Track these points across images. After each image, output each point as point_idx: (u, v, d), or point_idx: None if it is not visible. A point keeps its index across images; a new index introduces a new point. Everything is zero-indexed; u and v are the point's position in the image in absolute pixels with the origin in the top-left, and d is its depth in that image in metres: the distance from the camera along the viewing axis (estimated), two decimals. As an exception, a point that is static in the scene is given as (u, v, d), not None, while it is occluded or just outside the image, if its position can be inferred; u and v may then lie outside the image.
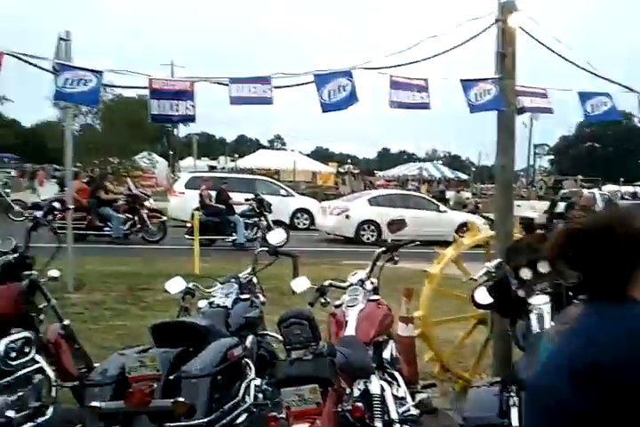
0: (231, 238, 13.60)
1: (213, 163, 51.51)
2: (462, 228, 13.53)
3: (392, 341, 3.69)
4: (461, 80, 4.57)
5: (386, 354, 3.52)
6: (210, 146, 66.98)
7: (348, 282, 3.79)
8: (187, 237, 12.79)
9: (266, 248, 4.06)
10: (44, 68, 4.15)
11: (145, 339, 6.10)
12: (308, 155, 59.84)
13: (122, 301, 7.88)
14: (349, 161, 49.66)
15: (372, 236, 15.79)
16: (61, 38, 5.73)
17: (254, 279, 4.12)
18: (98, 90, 4.28)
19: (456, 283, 4.91)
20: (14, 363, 3.23)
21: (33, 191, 21.03)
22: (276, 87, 4.28)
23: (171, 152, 40.71)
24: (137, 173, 25.81)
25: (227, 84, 4.22)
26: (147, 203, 14.22)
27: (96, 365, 4.01)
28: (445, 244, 6.32)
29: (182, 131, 46.22)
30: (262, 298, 4.13)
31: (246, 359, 3.37)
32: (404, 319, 4.59)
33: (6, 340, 3.19)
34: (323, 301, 3.68)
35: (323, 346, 2.71)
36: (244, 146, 72.15)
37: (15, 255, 3.51)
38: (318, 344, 2.68)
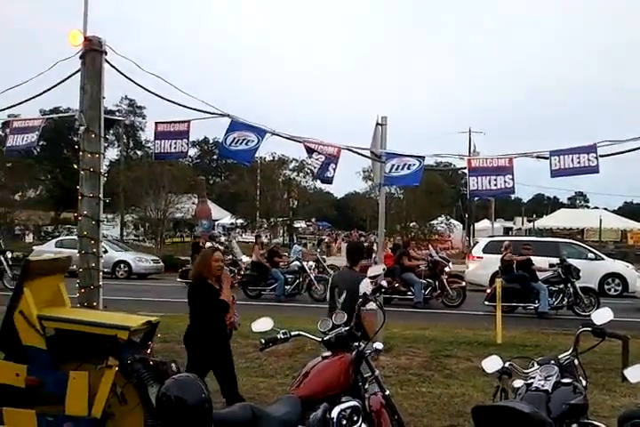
0: (533, 306, 12.96)
1: (509, 224, 50.36)
2: None
3: None
4: None
5: None
6: (505, 206, 65.66)
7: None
8: (486, 303, 12.61)
9: (589, 328, 3.75)
10: (366, 156, 4.70)
11: (451, 409, 6.09)
12: (615, 211, 54.66)
13: (426, 366, 7.98)
14: (668, 216, 43.75)
15: None
16: (378, 123, 6.26)
17: (576, 362, 3.81)
18: (420, 171, 4.66)
19: None
20: (344, 431, 3.48)
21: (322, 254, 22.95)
22: (600, 156, 4.09)
23: (466, 215, 41.04)
24: (434, 237, 26.58)
25: (546, 158, 4.20)
26: (447, 268, 14.50)
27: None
28: None
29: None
30: (584, 383, 3.79)
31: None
32: None
33: (339, 408, 3.47)
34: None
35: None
36: (542, 205, 69.08)
37: (346, 328, 3.87)
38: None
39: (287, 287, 15.43)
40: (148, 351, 4.19)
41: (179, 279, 17.34)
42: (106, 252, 15.34)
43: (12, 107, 5.69)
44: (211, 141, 70.00)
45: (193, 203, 36.30)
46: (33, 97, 5.37)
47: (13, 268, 16.79)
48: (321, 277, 15.81)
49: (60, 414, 3.89)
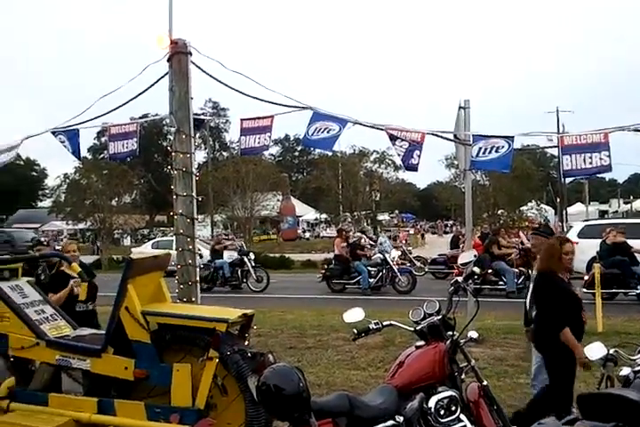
0: (635, 292, 12.29)
1: (604, 207, 47.89)
2: None
3: None
4: None
5: None
6: (600, 189, 62.39)
7: None
8: (584, 290, 11.99)
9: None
10: (451, 139, 4.58)
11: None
12: None
13: (523, 358, 7.70)
14: None
15: None
16: (461, 107, 6.10)
17: (686, 347, 3.60)
18: (510, 155, 4.49)
19: None
20: (443, 420, 3.45)
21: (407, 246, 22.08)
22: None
23: (557, 199, 39.36)
24: (524, 224, 25.60)
25: (641, 131, 3.97)
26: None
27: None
28: None
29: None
30: (698, 370, 3.56)
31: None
32: None
33: (436, 398, 3.44)
34: None
35: None
36: (639, 186, 65.13)
37: (439, 317, 3.82)
38: None
39: (371, 280, 15.23)
40: (246, 343, 4.30)
41: (318, 276, 16.46)
42: (201, 256, 15.41)
43: (107, 113, 5.98)
44: (292, 138, 70.94)
45: (277, 200, 36.97)
46: (127, 101, 5.65)
47: (257, 269, 16.63)
48: (404, 269, 15.56)
49: (166, 406, 4.06)
